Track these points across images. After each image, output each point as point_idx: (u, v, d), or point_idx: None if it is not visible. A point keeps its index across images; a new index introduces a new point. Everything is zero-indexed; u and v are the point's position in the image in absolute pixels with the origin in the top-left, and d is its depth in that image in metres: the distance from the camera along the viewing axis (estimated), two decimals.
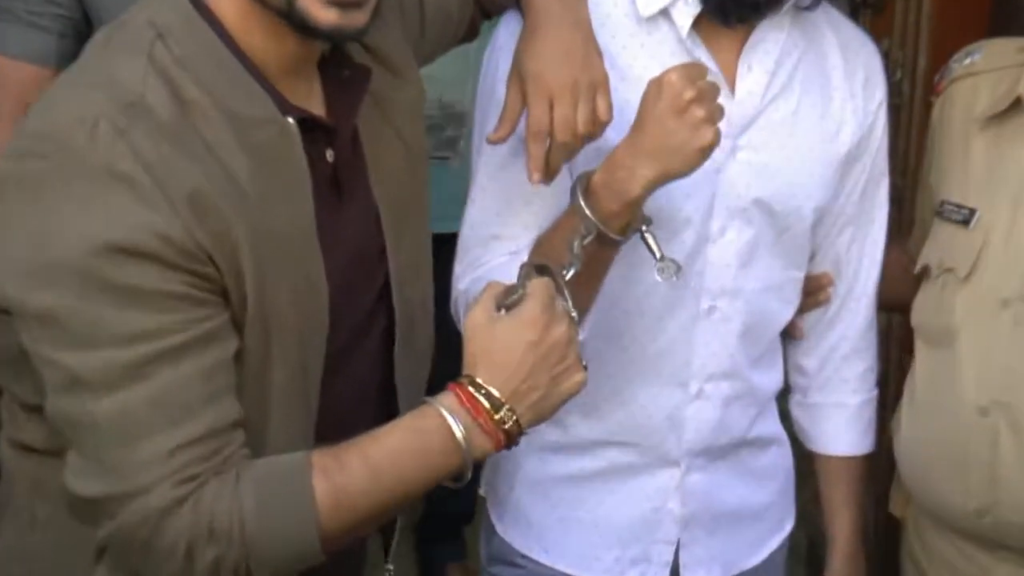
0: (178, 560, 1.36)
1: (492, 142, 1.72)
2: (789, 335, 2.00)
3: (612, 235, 1.62)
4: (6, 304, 1.38)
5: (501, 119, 1.68)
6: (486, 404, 1.43)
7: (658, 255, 1.64)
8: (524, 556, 1.93)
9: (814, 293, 1.96)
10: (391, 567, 1.74)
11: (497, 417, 1.44)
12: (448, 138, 2.82)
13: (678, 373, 1.84)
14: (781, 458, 2.03)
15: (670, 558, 1.91)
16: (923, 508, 1.95)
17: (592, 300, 1.72)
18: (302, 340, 1.51)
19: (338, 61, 1.59)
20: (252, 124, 1.46)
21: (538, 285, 1.48)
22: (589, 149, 1.67)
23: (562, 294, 1.52)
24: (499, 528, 1.96)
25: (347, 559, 1.66)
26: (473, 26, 1.94)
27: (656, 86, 1.58)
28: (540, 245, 1.73)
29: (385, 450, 1.44)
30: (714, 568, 1.93)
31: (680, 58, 1.71)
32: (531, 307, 1.46)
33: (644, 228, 1.66)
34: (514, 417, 1.45)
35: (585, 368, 1.51)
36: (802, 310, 1.95)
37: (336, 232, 1.56)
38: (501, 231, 1.79)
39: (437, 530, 3.33)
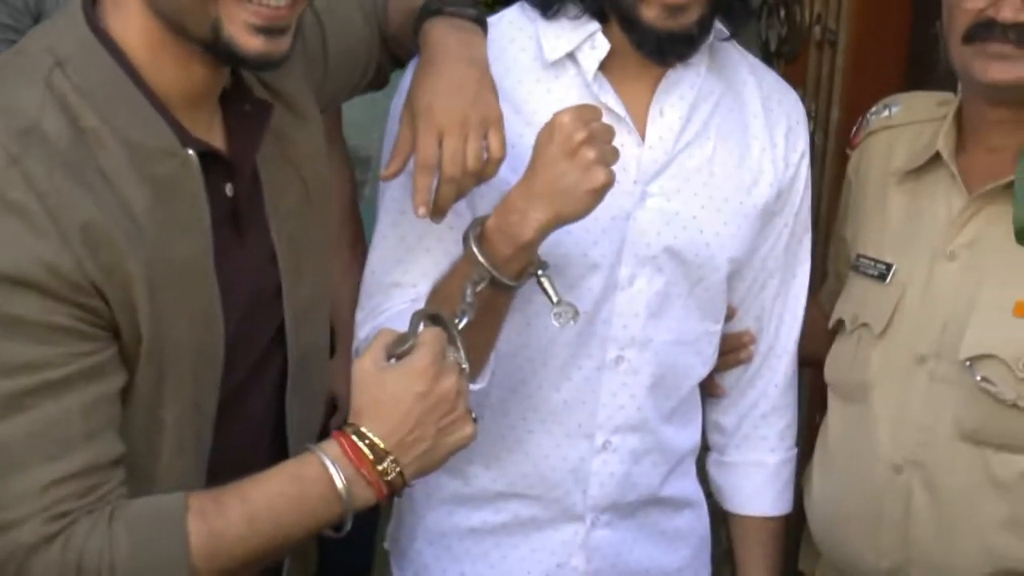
0: None
1: (383, 179, 1.72)
2: (709, 393, 1.99)
3: (506, 280, 1.62)
4: None
5: (392, 154, 1.68)
6: (369, 455, 1.44)
7: (555, 299, 1.64)
8: None
9: (735, 351, 1.97)
10: None
11: (380, 468, 1.44)
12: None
13: (583, 424, 1.83)
14: (696, 521, 2.02)
15: None
16: (833, 565, 1.96)
17: (490, 347, 1.72)
18: (197, 376, 1.51)
19: (240, 95, 1.61)
20: (152, 155, 1.46)
21: (429, 335, 1.49)
22: (491, 194, 1.67)
23: (454, 344, 1.53)
24: None
25: None
26: (381, 73, 1.95)
27: (548, 128, 1.59)
28: (436, 292, 1.73)
29: (264, 495, 1.44)
30: None
31: (588, 102, 1.72)
32: (421, 357, 1.47)
33: (540, 272, 1.66)
34: (398, 468, 1.45)
35: (475, 421, 1.51)
36: (722, 367, 1.96)
37: (234, 268, 1.56)
38: (401, 278, 1.78)
39: None
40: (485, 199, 1.70)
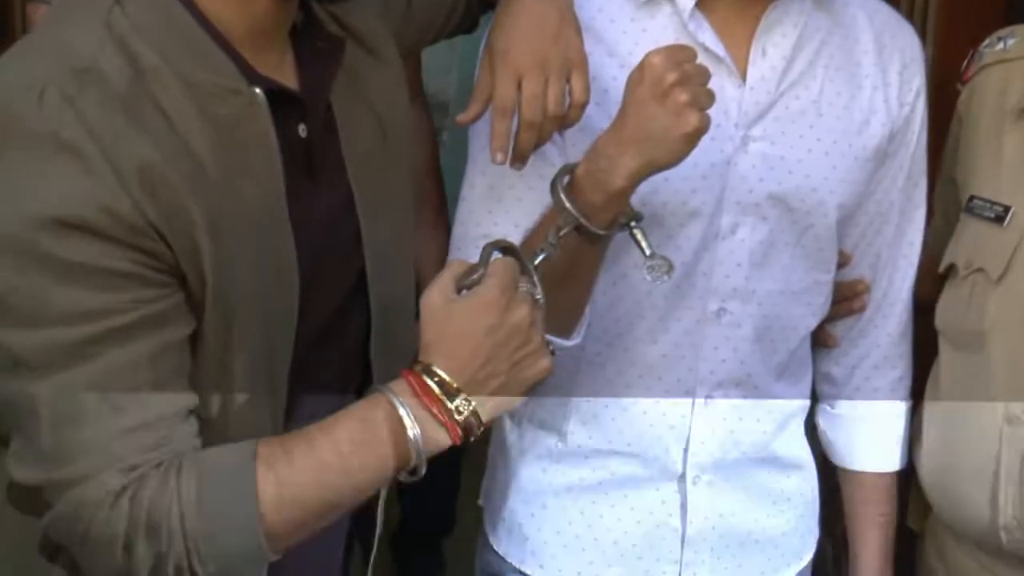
0: (116, 555, 1.34)
1: (460, 123, 1.70)
2: (820, 343, 1.96)
3: (596, 230, 1.59)
4: None
5: (471, 99, 1.66)
6: (439, 392, 1.40)
7: (647, 252, 1.61)
8: (518, 571, 1.90)
9: (848, 300, 1.92)
10: None
11: (452, 406, 1.41)
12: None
13: (683, 379, 1.80)
14: (804, 482, 1.98)
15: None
16: (945, 521, 1.92)
17: (584, 301, 1.71)
18: (268, 325, 1.49)
19: (312, 31, 1.57)
20: (216, 94, 1.44)
21: (499, 265, 1.45)
22: (583, 140, 1.65)
23: (528, 275, 1.49)
24: (492, 540, 1.93)
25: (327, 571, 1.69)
26: (470, 14, 1.91)
27: (639, 70, 1.55)
28: (526, 244, 1.69)
29: (332, 440, 1.41)
30: None
31: (684, 42, 1.68)
32: (490, 288, 1.43)
33: (633, 224, 1.62)
34: (471, 406, 1.42)
35: (553, 353, 1.47)
36: (834, 317, 1.92)
37: (308, 213, 1.54)
38: (491, 229, 1.76)
39: (414, 542, 3.35)
40: (577, 146, 1.67)
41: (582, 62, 1.65)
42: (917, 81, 1.86)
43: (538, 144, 1.66)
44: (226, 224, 1.41)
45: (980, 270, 1.81)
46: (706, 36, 1.70)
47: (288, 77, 1.52)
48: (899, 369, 1.96)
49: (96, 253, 1.32)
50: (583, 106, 1.65)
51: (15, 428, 1.39)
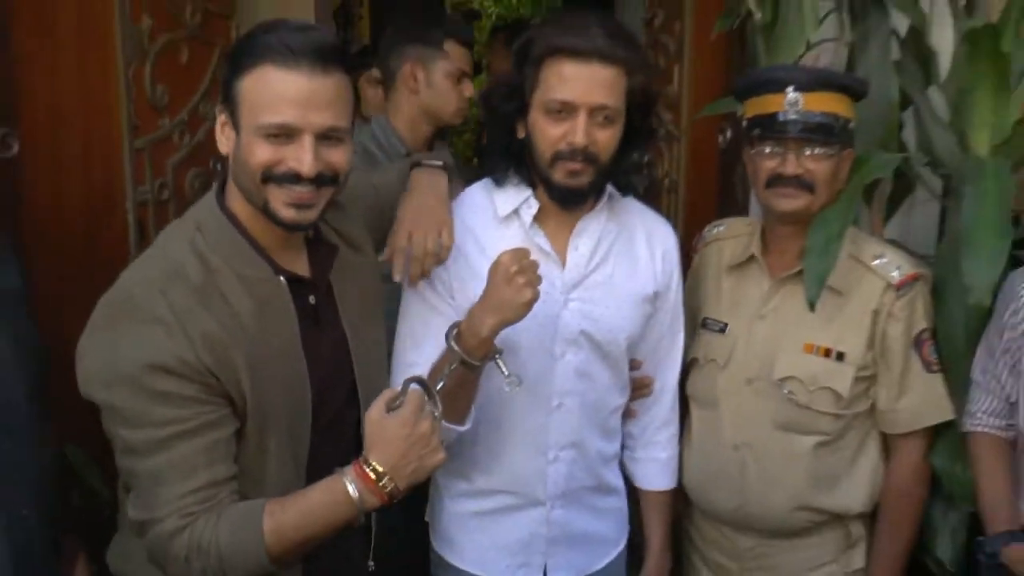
0: (181, 564, 1.63)
1: (383, 260, 1.95)
2: (626, 415, 2.29)
3: (472, 362, 1.88)
4: (93, 400, 1.65)
5: (385, 252, 1.98)
6: (373, 476, 1.66)
7: (505, 373, 1.90)
8: (450, 565, 2.24)
9: (640, 388, 2.30)
10: (372, 564, 1.96)
11: (381, 484, 1.67)
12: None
13: (540, 445, 2.12)
14: (619, 501, 2.32)
15: (543, 563, 2.21)
16: (698, 507, 2.41)
17: (471, 403, 1.98)
18: (291, 424, 1.75)
19: (317, 239, 1.87)
20: (255, 281, 1.72)
21: (412, 395, 1.70)
22: (464, 304, 1.94)
23: (432, 399, 1.72)
24: (435, 545, 2.28)
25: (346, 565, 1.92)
26: None
27: (494, 264, 1.85)
28: (433, 368, 1.95)
29: (309, 501, 1.67)
30: (570, 570, 2.23)
31: (526, 243, 1.99)
32: (406, 411, 1.68)
33: (496, 356, 1.90)
34: (393, 483, 1.67)
35: (446, 450, 1.71)
36: (634, 398, 2.28)
37: (317, 351, 1.80)
38: (415, 358, 2.04)
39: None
40: (463, 306, 1.96)
41: (448, 224, 1.97)
42: (672, 259, 2.23)
43: (424, 273, 1.97)
44: (260, 364, 1.68)
45: (713, 360, 2.31)
46: (540, 240, 2.05)
47: (302, 268, 1.81)
48: (672, 428, 2.36)
49: (173, 385, 1.61)
50: (449, 248, 1.95)
51: (131, 487, 1.69)
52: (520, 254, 1.85)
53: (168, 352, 1.59)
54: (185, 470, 1.62)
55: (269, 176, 1.66)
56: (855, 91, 2.24)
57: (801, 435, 2.24)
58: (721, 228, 2.51)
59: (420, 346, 2.03)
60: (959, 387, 2.26)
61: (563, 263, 2.06)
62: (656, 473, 2.38)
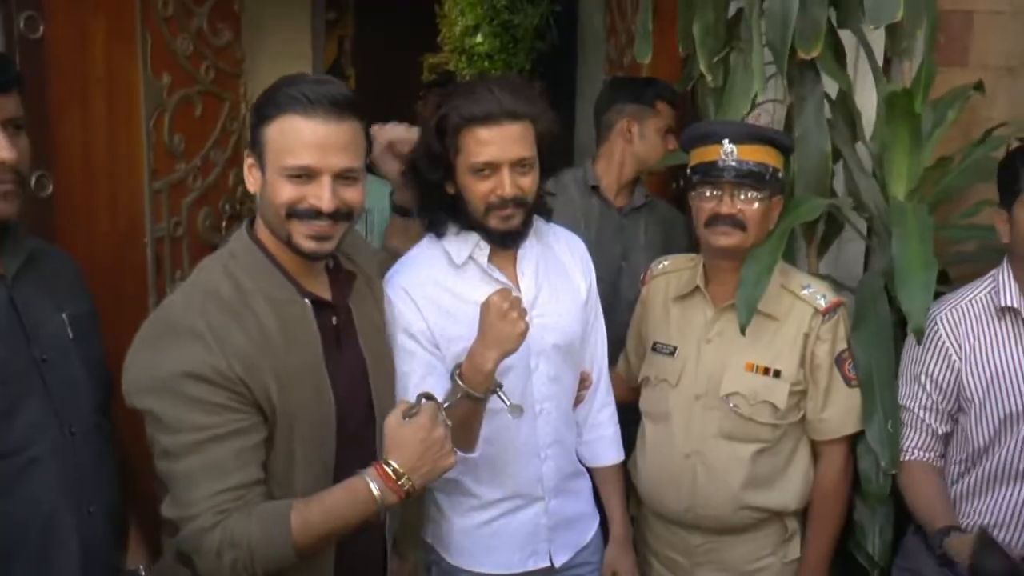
0: (212, 558, 1.70)
1: None
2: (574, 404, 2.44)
3: (476, 394, 2.01)
4: (136, 407, 1.73)
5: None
6: (393, 476, 1.75)
7: (508, 404, 2.04)
8: (470, 571, 2.38)
9: (583, 383, 2.49)
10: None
11: (400, 482, 1.76)
12: None
13: (533, 448, 2.29)
14: (586, 481, 2.52)
15: (547, 549, 2.38)
16: (651, 509, 2.58)
17: (476, 432, 2.12)
18: (317, 433, 1.85)
19: (337, 268, 1.99)
20: (283, 302, 1.83)
21: (429, 406, 1.82)
22: (453, 348, 2.12)
23: (442, 412, 1.84)
24: (447, 557, 2.39)
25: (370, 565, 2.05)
26: None
27: (486, 304, 1.99)
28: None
29: (332, 499, 1.75)
30: (568, 548, 2.40)
31: (486, 280, 2.17)
32: (423, 417, 1.79)
33: (497, 389, 2.04)
34: (411, 482, 1.76)
35: (455, 454, 1.82)
36: (580, 396, 2.47)
37: (337, 368, 1.89)
38: (424, 389, 2.02)
39: None
40: (450, 350, 2.14)
41: None
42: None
43: None
44: (286, 377, 1.76)
45: (664, 380, 2.49)
46: (497, 275, 2.21)
47: (324, 292, 1.92)
48: (611, 407, 2.54)
49: (207, 393, 1.68)
50: None
51: (167, 487, 1.74)
52: (506, 293, 2.01)
53: (203, 362, 1.69)
54: (218, 472, 1.70)
55: (292, 212, 1.79)
56: (782, 144, 2.44)
57: (743, 443, 2.43)
58: (666, 263, 2.71)
59: (429, 385, 2.14)
60: (869, 397, 2.49)
61: (518, 288, 2.24)
62: (605, 449, 2.56)
